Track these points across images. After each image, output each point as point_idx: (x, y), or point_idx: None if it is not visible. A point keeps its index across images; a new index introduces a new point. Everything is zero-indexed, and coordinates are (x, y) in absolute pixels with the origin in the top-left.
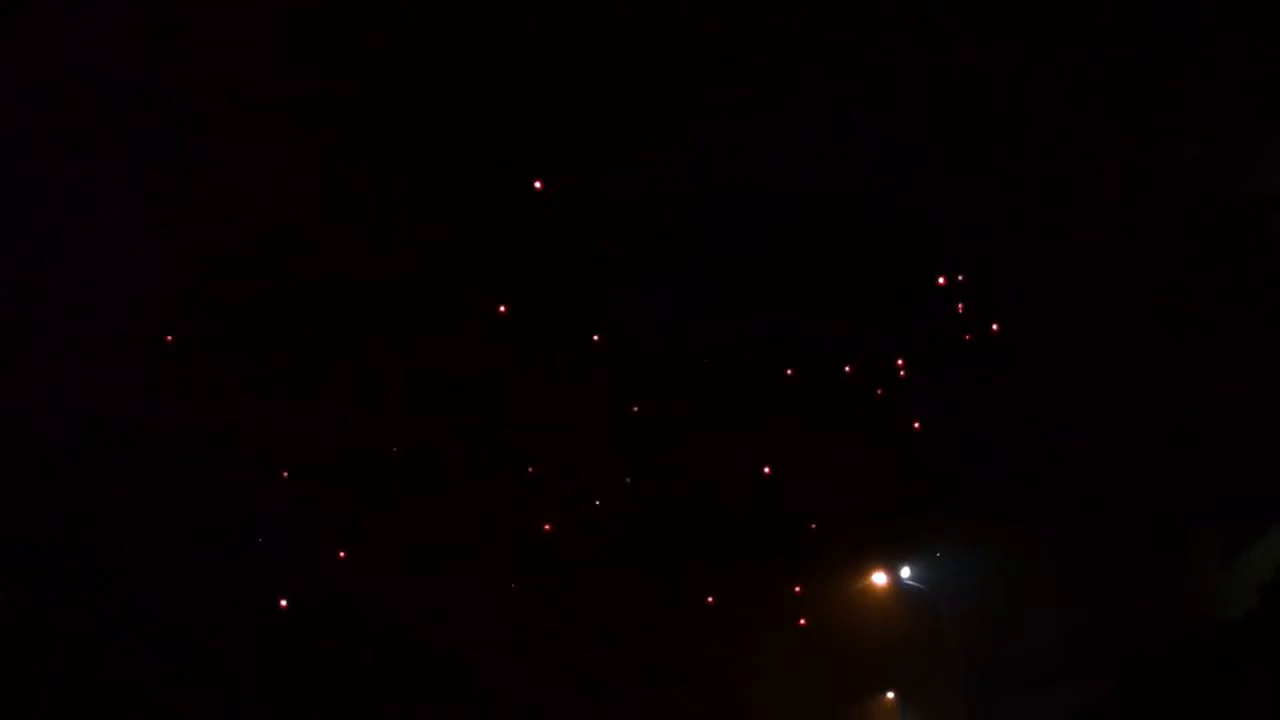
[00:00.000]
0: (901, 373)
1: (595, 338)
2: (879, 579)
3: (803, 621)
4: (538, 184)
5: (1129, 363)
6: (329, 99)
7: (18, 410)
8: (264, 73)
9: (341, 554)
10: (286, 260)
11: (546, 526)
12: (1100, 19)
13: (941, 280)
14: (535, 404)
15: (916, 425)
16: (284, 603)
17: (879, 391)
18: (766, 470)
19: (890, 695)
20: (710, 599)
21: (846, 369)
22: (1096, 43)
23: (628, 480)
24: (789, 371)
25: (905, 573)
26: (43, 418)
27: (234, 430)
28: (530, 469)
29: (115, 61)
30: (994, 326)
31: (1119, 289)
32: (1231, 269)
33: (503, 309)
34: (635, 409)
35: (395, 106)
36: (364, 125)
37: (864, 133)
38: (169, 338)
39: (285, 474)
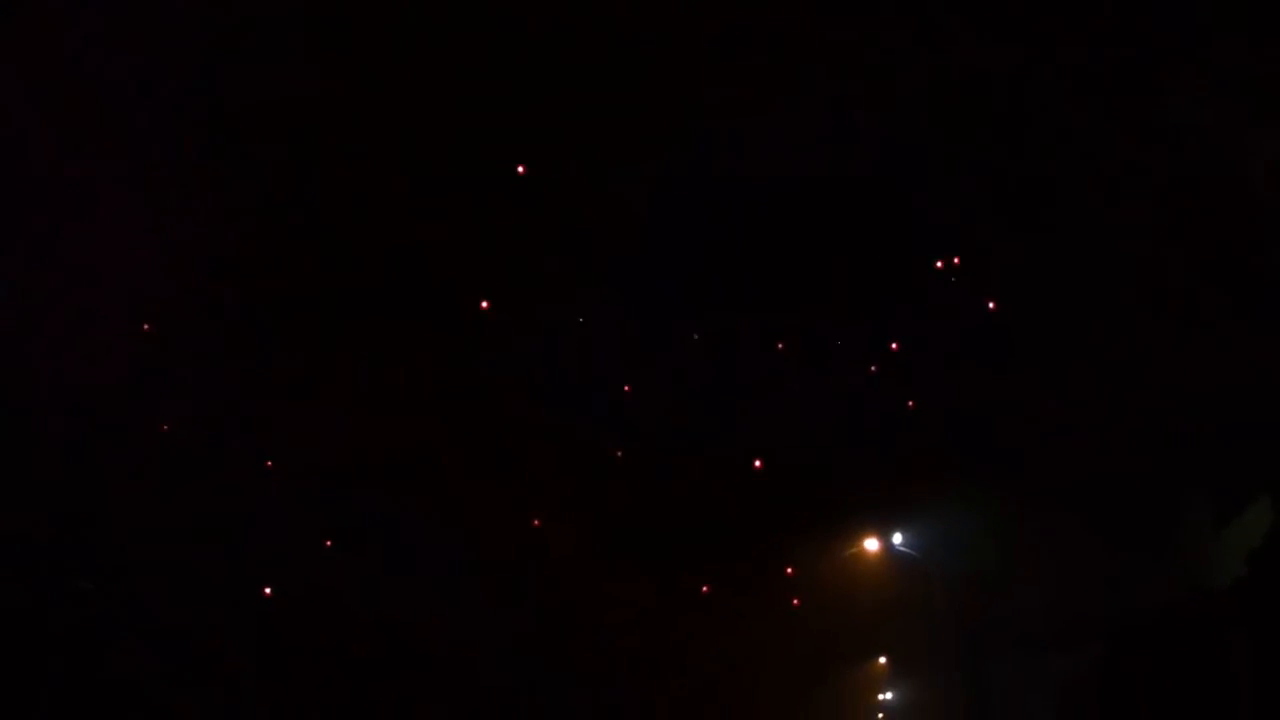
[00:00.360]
0: (894, 346)
1: (580, 319)
2: (871, 545)
3: (796, 602)
4: (520, 169)
5: (1122, 335)
6: (329, 99)
7: (18, 410)
8: (264, 73)
9: (328, 543)
10: (286, 260)
11: (535, 522)
12: (1100, 19)
13: (939, 264)
14: (529, 397)
15: (910, 404)
16: (268, 590)
17: (872, 368)
18: (758, 464)
19: (882, 660)
20: (705, 588)
21: (839, 342)
22: (1096, 43)
23: (619, 454)
24: (779, 345)
25: (897, 539)
26: (43, 418)
27: (233, 430)
28: (525, 463)
29: (115, 61)
30: (990, 305)
31: (1113, 266)
32: (1225, 247)
33: (485, 304)
34: (627, 389)
35: (395, 106)
36: (363, 125)
37: (863, 130)
38: (146, 325)
39: (279, 472)
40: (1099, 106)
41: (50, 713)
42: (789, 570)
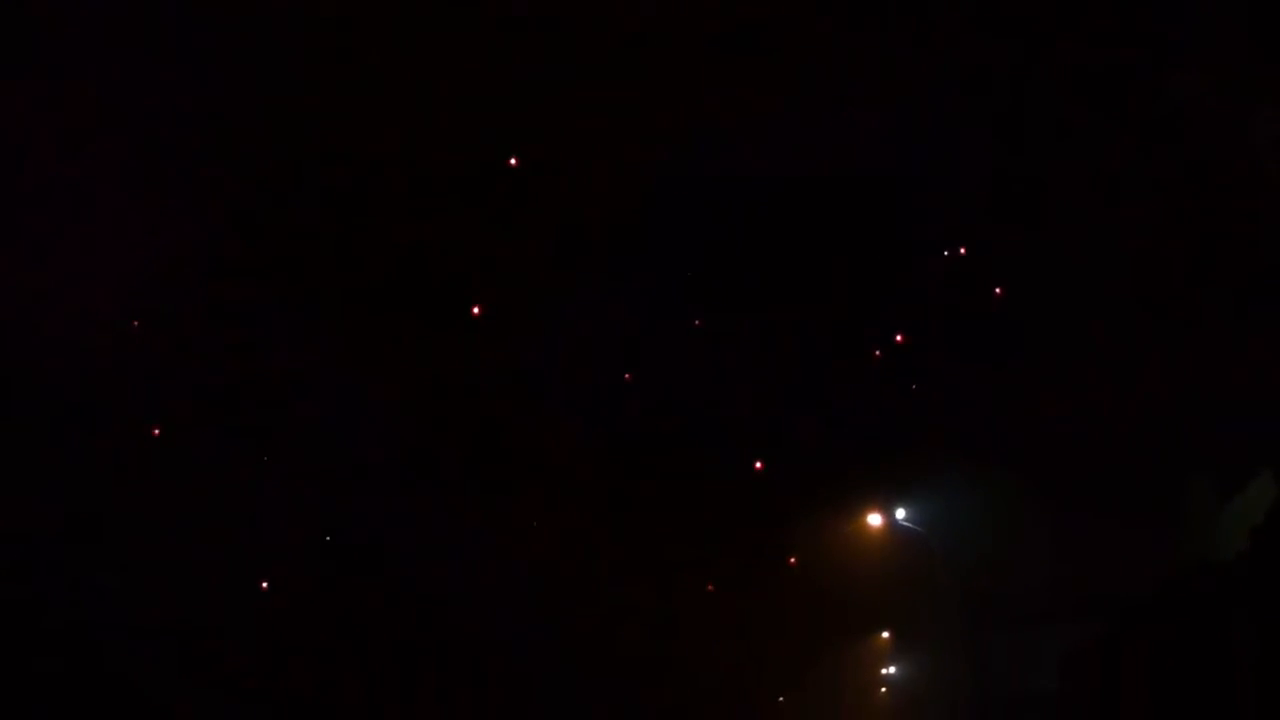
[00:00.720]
0: (899, 338)
1: (580, 319)
2: (874, 520)
3: (797, 581)
4: (512, 161)
5: (1123, 320)
6: (328, 99)
7: (17, 410)
8: (263, 73)
9: (327, 541)
10: (287, 260)
11: (535, 522)
12: (1100, 18)
13: (945, 253)
14: (529, 396)
15: (914, 387)
16: (267, 589)
17: (877, 354)
18: (759, 465)
19: (885, 634)
20: (710, 586)
21: (842, 330)
22: (1096, 42)
23: (621, 441)
24: (782, 333)
25: (900, 514)
26: (43, 417)
27: (233, 430)
28: (525, 463)
29: (115, 61)
30: (996, 290)
31: (1114, 255)
32: (1225, 242)
33: (476, 310)
34: (628, 376)
35: (394, 106)
36: (363, 125)
37: (863, 130)
38: (143, 325)
39: (279, 471)
40: (1099, 105)
41: (50, 713)
42: (791, 560)
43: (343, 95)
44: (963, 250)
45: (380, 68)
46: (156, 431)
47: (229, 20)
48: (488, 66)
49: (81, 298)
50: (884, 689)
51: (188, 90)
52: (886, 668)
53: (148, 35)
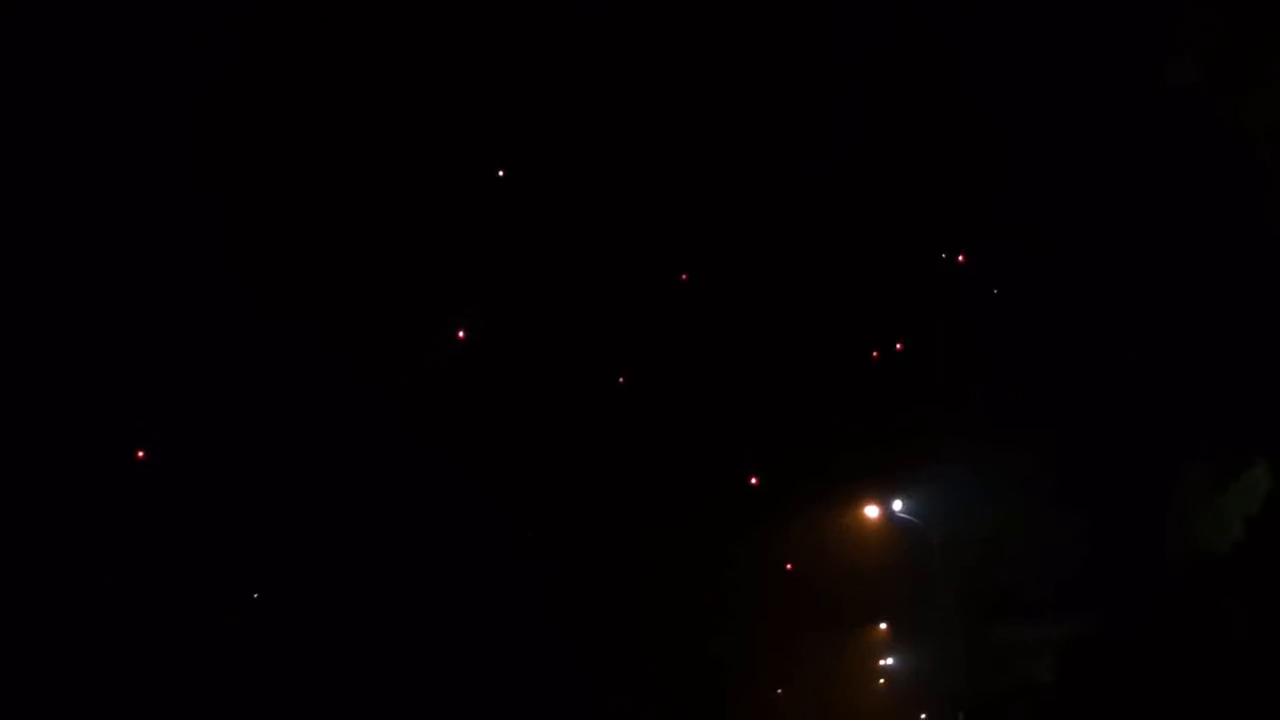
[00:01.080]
0: (899, 346)
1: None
2: (871, 512)
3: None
4: (500, 173)
5: (1123, 313)
6: (327, 100)
7: (18, 410)
8: (264, 74)
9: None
10: (286, 257)
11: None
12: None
13: (944, 256)
14: (529, 396)
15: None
16: (263, 592)
17: (874, 354)
18: (754, 480)
19: (883, 626)
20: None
21: (842, 329)
22: (1099, 42)
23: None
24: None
25: (897, 506)
26: (43, 417)
27: (231, 430)
28: (523, 463)
29: (114, 63)
30: (994, 290)
31: (1116, 252)
32: (1229, 226)
33: (461, 334)
34: (621, 380)
35: (393, 107)
36: (361, 126)
37: (864, 129)
38: (142, 325)
39: (276, 471)
40: (1098, 105)
41: (50, 712)
42: (789, 566)
43: (341, 97)
44: (961, 258)
45: (381, 70)
46: (154, 433)
47: (228, 21)
48: (486, 68)
49: (81, 298)
50: (882, 680)
51: (187, 90)
52: (884, 659)
53: (148, 35)
